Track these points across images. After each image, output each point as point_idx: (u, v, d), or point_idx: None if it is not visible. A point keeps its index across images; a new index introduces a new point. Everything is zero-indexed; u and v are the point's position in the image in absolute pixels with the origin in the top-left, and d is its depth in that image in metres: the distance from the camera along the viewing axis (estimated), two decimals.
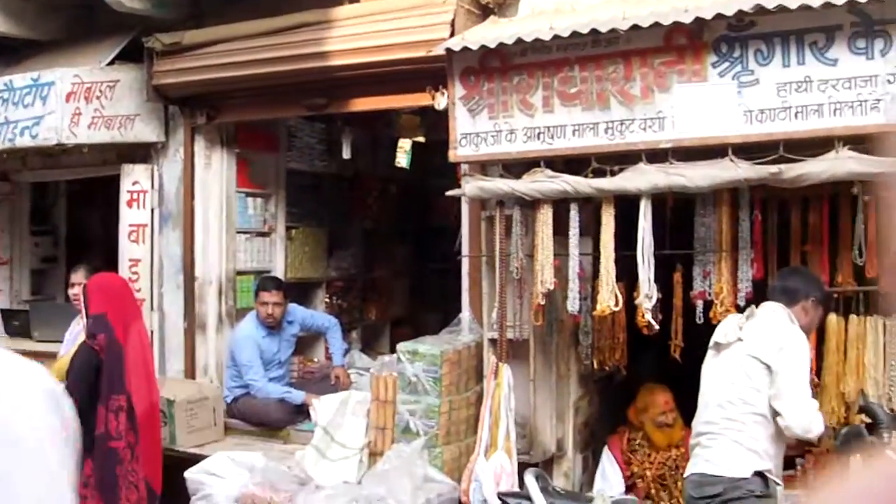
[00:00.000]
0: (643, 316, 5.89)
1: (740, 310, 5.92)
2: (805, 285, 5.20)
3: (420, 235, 11.76)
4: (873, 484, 1.34)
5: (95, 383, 6.10)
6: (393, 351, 10.56)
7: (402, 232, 11.55)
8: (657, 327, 5.89)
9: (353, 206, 10.57)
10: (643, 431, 6.55)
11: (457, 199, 6.67)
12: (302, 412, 7.82)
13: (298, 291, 9.28)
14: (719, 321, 5.82)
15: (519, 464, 6.10)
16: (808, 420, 4.74)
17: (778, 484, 4.87)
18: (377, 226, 11.02)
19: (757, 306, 5.28)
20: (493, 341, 6.55)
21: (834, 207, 5.91)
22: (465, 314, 6.92)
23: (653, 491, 6.42)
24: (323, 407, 7.01)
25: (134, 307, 6.67)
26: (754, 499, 4.76)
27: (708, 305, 6.02)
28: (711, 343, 5.25)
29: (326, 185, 10.09)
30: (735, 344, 5.04)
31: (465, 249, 6.95)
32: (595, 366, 6.66)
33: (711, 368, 5.18)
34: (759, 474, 4.83)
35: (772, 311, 5.09)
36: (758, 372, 4.87)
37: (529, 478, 5.25)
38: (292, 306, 8.46)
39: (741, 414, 4.89)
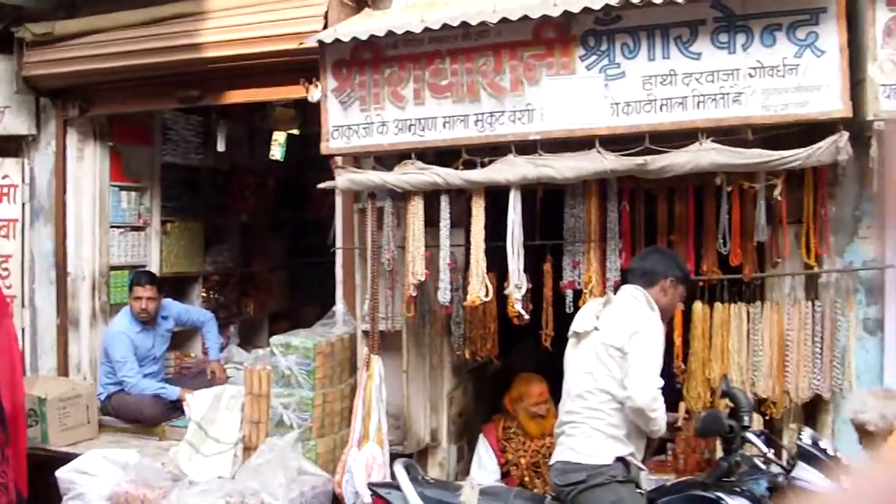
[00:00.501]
0: (513, 306, 5.97)
1: None
2: (663, 265, 5.23)
3: (297, 229, 11.70)
4: (873, 486, 1.36)
5: None
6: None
7: (280, 225, 11.50)
8: (527, 317, 5.96)
9: (229, 200, 10.49)
10: (518, 420, 6.61)
11: (333, 192, 6.65)
12: (178, 408, 7.72)
13: (174, 286, 9.18)
14: None
15: (393, 455, 6.14)
16: (649, 395, 4.78)
17: (641, 468, 4.96)
18: (254, 219, 10.95)
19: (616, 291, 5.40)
20: (366, 333, 6.58)
21: (699, 198, 6.03)
22: (339, 306, 6.92)
23: (527, 478, 6.49)
24: (196, 402, 6.94)
25: (2, 304, 6.54)
26: (616, 483, 4.83)
27: (578, 294, 6.13)
28: (571, 332, 5.29)
29: (202, 179, 9.98)
30: (592, 333, 5.09)
31: (339, 242, 6.94)
32: (467, 356, 6.71)
33: (572, 358, 5.23)
34: (621, 460, 4.90)
35: (628, 296, 5.15)
36: (614, 359, 4.95)
37: (399, 468, 5.28)
38: (167, 301, 8.37)
39: (600, 403, 4.95)
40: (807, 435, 5.06)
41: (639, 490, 4.90)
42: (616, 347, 4.94)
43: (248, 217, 10.79)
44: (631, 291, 5.19)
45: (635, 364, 4.84)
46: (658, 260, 5.29)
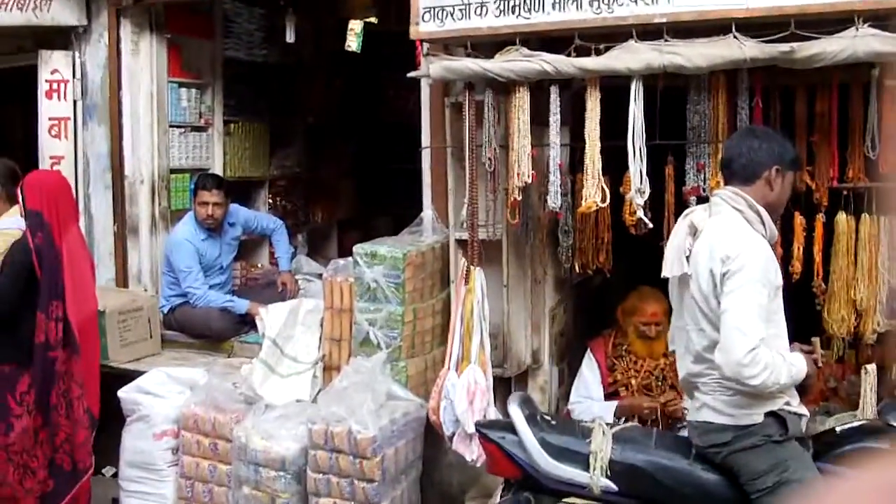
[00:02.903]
0: (631, 214, 5.28)
1: None
2: (765, 152, 4.15)
3: (369, 132, 10.97)
4: (875, 484, 1.28)
5: (31, 286, 5.54)
6: (341, 255, 10.07)
7: (350, 128, 10.76)
8: (650, 225, 5.26)
9: (296, 99, 9.74)
10: (627, 336, 5.96)
11: (412, 92, 5.91)
12: (246, 322, 7.16)
13: (238, 191, 8.51)
14: None
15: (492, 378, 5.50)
16: (737, 360, 3.81)
17: (801, 414, 4.15)
18: (322, 121, 10.19)
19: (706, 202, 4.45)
20: (460, 242, 5.90)
21: (844, 95, 5.27)
22: (428, 213, 6.23)
23: (637, 401, 5.82)
24: (270, 317, 6.31)
25: (71, 207, 5.97)
26: (772, 444, 4.02)
27: (703, 202, 5.39)
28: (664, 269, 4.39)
29: (267, 76, 9.23)
30: (685, 277, 4.22)
31: (425, 140, 6.22)
32: (577, 269, 6.02)
33: (677, 305, 4.39)
34: (773, 414, 4.05)
35: (725, 212, 4.13)
36: (714, 305, 4.03)
37: (514, 406, 4.50)
38: (234, 207, 7.75)
39: None
40: None
41: (803, 445, 4.15)
42: (714, 297, 4.02)
43: (315, 119, 10.06)
44: (728, 199, 4.14)
45: (726, 319, 3.88)
46: (756, 146, 4.18)
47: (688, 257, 4.15)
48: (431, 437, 5.78)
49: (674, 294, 4.41)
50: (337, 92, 10.47)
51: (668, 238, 5.39)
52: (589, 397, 5.92)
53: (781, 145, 4.22)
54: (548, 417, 4.67)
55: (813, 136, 5.38)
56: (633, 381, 5.84)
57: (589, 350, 6.04)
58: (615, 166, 5.31)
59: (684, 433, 4.69)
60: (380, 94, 10.72)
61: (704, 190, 5.40)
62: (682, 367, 4.35)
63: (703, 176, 5.43)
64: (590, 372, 5.97)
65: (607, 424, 4.55)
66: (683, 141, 5.45)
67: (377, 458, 5.26)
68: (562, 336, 6.49)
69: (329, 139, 10.35)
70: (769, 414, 4.03)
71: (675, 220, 5.43)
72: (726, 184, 4.26)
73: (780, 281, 4.08)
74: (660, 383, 5.82)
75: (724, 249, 3.96)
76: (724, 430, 4.07)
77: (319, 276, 8.59)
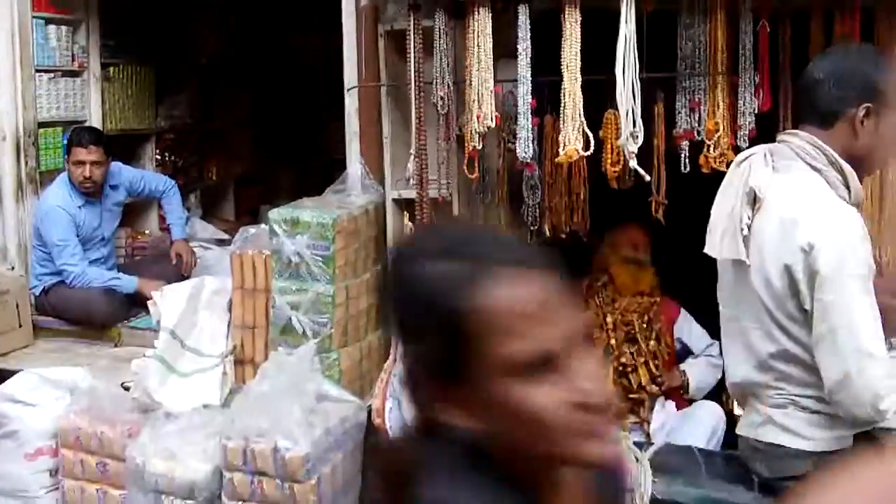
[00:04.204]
0: (613, 164, 4.32)
1: (738, 151, 4.44)
2: (851, 83, 3.00)
3: (268, 76, 9.81)
4: (873, 484, 1.21)
5: None
6: (239, 217, 9.05)
7: (247, 72, 9.58)
8: (647, 177, 4.27)
9: (186, 39, 8.59)
10: (609, 273, 5.08)
11: (318, 29, 4.82)
12: (136, 303, 6.05)
13: (121, 147, 7.35)
14: (712, 170, 4.32)
15: None
16: (873, 393, 2.80)
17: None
18: (216, 64, 9.04)
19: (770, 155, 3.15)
20: (398, 202, 4.87)
21: (868, 18, 4.38)
22: (356, 167, 5.12)
23: (613, 341, 4.88)
24: (166, 301, 5.13)
25: None
26: None
27: (697, 148, 4.48)
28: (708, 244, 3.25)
29: (152, 12, 7.99)
30: (742, 262, 3.08)
31: (350, 79, 5.12)
32: (548, 232, 5.00)
33: (729, 289, 3.25)
34: (867, 435, 3.03)
35: (792, 188, 3.00)
36: (794, 317, 2.97)
37: None
38: (116, 166, 6.59)
39: (801, 372, 3.03)
40: None
41: None
42: (792, 300, 2.96)
43: (207, 61, 8.90)
44: (803, 153, 3.01)
45: (839, 341, 2.84)
46: (844, 71, 3.03)
47: (745, 236, 3.04)
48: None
49: (726, 277, 3.27)
50: (232, 30, 9.28)
51: (658, 194, 4.52)
52: None
53: (879, 70, 3.03)
54: None
55: None
56: (609, 319, 4.91)
57: None
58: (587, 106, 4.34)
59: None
60: (280, 31, 9.57)
61: (699, 133, 4.49)
62: (734, 370, 3.25)
63: (696, 116, 4.51)
64: None
65: (636, 445, 3.49)
66: (674, 73, 4.51)
67: (312, 480, 4.17)
68: None
69: (224, 84, 9.25)
70: (860, 436, 3.02)
71: (665, 171, 4.56)
72: (798, 125, 3.15)
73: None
74: (645, 326, 4.92)
75: (807, 235, 2.87)
76: (802, 458, 3.01)
77: (219, 241, 7.56)
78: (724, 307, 3.27)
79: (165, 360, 4.85)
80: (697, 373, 5.06)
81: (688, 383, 5.02)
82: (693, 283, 4.08)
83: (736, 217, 3.03)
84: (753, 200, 3.01)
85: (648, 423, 4.89)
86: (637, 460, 3.34)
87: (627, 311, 4.96)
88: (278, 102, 9.81)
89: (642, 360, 4.90)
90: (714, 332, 4.72)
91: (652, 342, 4.95)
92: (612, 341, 4.91)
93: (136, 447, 4.43)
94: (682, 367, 5.10)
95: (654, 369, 4.89)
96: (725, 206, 3.10)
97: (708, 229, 3.17)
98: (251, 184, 9.51)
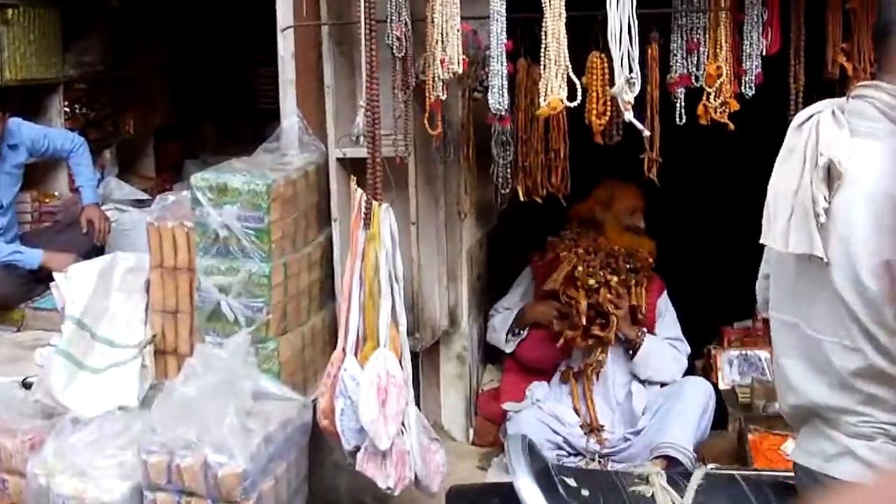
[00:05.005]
0: (599, 115, 3.71)
1: (742, 100, 3.89)
2: None
3: (186, 17, 9.08)
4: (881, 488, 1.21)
5: None
6: (160, 173, 8.35)
7: (162, 12, 8.86)
8: (647, 132, 3.65)
9: None
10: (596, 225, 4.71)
11: None
12: (41, 280, 5.38)
13: (23, 99, 6.76)
14: (712, 121, 3.76)
15: None
16: None
17: None
18: (129, 4, 8.30)
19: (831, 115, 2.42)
20: (344, 163, 4.21)
21: None
22: (292, 120, 4.40)
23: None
24: (71, 284, 4.37)
25: None
26: None
27: (695, 96, 3.94)
28: (763, 230, 2.55)
29: None
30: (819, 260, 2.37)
31: (284, 17, 4.39)
32: (522, 195, 4.36)
33: (788, 289, 2.55)
34: None
35: (881, 160, 2.31)
36: (890, 316, 2.30)
37: (519, 465, 2.61)
38: (15, 122, 5.91)
39: (890, 394, 2.38)
40: None
41: None
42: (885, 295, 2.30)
43: (119, 1, 8.16)
44: (887, 107, 2.35)
45: None
46: None
47: (820, 223, 2.32)
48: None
49: (786, 273, 2.56)
50: None
51: (652, 150, 3.91)
52: (509, 308, 4.83)
53: None
54: (569, 477, 2.75)
55: (850, 1, 3.94)
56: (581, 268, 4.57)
57: (530, 267, 4.92)
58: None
59: None
60: None
61: (697, 80, 3.95)
62: (798, 390, 2.53)
63: (695, 59, 3.98)
64: (521, 280, 4.94)
65: (670, 482, 2.78)
66: (669, 9, 3.96)
67: (250, 501, 3.52)
68: (479, 280, 4.95)
69: (139, 27, 8.55)
70: None
71: (658, 123, 3.97)
72: (877, 75, 2.50)
73: None
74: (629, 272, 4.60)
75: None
76: None
77: (137, 203, 6.84)
78: (779, 312, 2.56)
79: (72, 354, 4.12)
80: (654, 347, 4.68)
81: (639, 346, 4.63)
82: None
83: (807, 198, 2.32)
84: (829, 175, 2.32)
85: (602, 364, 4.62)
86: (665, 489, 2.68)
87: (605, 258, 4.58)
88: (200, 45, 9.19)
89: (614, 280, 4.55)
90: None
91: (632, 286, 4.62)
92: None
93: (38, 462, 3.73)
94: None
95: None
96: (790, 183, 2.39)
97: (765, 213, 2.46)
98: (172, 137, 8.90)
